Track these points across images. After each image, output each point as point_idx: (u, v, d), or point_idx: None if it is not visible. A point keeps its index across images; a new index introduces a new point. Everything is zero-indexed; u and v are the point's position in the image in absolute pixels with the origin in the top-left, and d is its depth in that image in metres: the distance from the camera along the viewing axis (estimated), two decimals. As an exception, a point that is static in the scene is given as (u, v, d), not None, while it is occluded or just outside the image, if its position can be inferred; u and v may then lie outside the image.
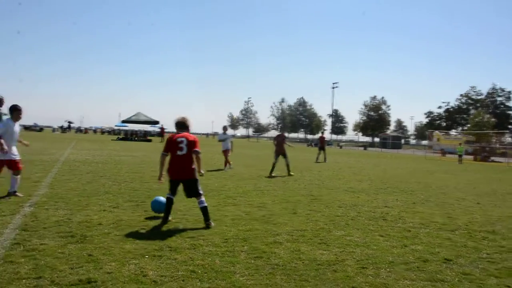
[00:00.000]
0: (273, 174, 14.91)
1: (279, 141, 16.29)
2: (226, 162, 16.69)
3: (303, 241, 5.85)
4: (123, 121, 59.21)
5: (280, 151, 16.01)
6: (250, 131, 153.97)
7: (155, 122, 58.00)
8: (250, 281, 4.18)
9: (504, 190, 14.44)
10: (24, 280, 3.85)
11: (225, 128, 18.01)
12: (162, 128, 57.57)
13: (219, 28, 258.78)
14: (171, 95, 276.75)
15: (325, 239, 6.01)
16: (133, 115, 56.86)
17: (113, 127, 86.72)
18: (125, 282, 3.96)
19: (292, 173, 15.57)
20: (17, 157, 8.03)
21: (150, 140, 53.51)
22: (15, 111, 7.93)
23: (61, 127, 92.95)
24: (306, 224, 6.92)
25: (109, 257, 4.65)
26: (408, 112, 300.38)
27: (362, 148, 77.26)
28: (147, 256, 4.78)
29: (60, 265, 4.29)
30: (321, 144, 26.35)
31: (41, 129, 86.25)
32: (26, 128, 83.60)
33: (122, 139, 54.86)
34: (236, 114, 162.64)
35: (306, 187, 11.90)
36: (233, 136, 18.86)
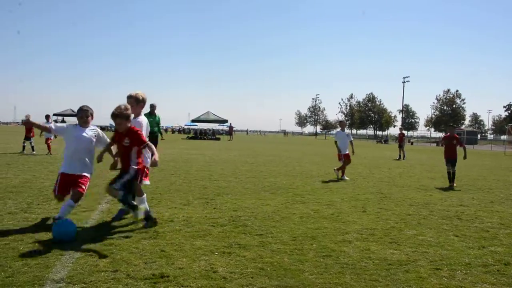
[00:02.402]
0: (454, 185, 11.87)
1: (449, 144, 12.49)
2: (343, 168, 13.05)
3: (373, 240, 5.71)
4: (193, 120, 60.86)
5: (450, 157, 12.35)
6: (318, 128, 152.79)
7: (224, 121, 59.09)
8: (319, 280, 4.14)
9: None
10: (102, 273, 4.06)
11: (343, 124, 14.59)
12: (231, 127, 58.60)
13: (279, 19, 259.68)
14: (234, 91, 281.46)
15: (396, 238, 5.84)
16: (203, 114, 58.25)
17: (183, 126, 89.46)
18: (196, 277, 4.06)
19: (455, 185, 11.88)
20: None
21: (219, 139, 54.57)
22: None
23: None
24: (376, 223, 6.75)
25: (180, 253, 4.79)
26: (485, 105, 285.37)
27: (434, 144, 74.19)
28: (216, 253, 4.87)
29: (135, 260, 4.48)
30: (400, 141, 25.78)
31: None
32: (102, 128, 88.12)
33: (192, 137, 56.39)
34: (304, 111, 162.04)
35: (375, 185, 11.62)
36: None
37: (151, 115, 14.00)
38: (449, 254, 5.19)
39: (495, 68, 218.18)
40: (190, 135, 63.06)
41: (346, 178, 12.76)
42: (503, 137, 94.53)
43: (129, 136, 5.59)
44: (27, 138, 18.82)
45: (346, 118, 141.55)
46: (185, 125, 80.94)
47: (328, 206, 8.08)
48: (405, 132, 27.28)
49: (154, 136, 13.96)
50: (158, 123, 14.15)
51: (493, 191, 11.24)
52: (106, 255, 4.60)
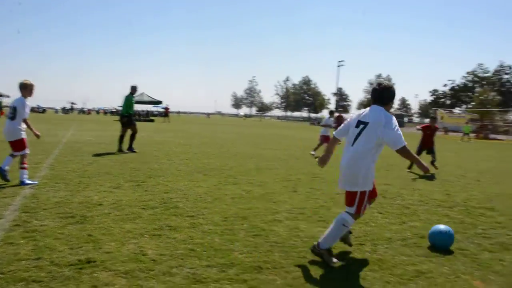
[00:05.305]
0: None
1: (430, 133, 12.52)
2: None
3: (303, 219, 5.89)
4: (126, 102, 59.10)
5: (428, 146, 12.40)
6: (254, 110, 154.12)
7: (158, 102, 57.96)
8: (248, 259, 4.22)
9: (503, 167, 14.49)
10: (23, 262, 3.88)
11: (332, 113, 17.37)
12: (166, 108, 57.56)
13: (223, 7, 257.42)
14: (174, 74, 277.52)
15: (324, 216, 6.05)
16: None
17: (116, 108, 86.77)
18: (124, 261, 4.00)
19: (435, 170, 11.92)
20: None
21: (152, 120, 53.50)
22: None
23: (63, 109, 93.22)
24: (306, 202, 6.95)
25: (108, 237, 4.69)
26: (413, 90, 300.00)
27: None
28: (146, 236, 4.81)
29: (59, 246, 4.33)
30: (338, 124, 24.85)
31: (43, 110, 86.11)
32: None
33: (125, 119, 54.73)
34: (240, 93, 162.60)
35: (307, 166, 11.91)
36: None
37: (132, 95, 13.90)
38: (372, 230, 5.47)
39: (422, 55, 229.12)
40: (124, 117, 61.32)
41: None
42: (427, 120, 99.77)
43: None
44: None
45: (282, 100, 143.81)
46: (119, 106, 78.50)
47: (260, 186, 8.21)
48: (343, 115, 26.89)
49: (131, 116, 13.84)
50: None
51: (415, 170, 11.86)
52: (27, 243, 4.40)
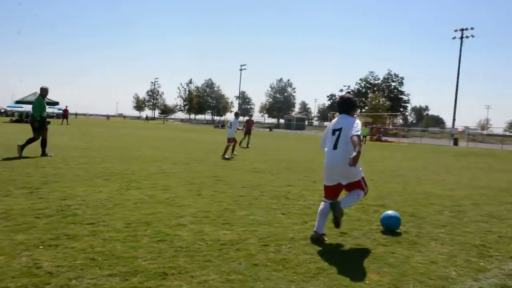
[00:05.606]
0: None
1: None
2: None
3: (207, 222, 5.88)
4: (17, 102, 54.94)
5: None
6: (156, 113, 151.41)
7: (55, 103, 54.60)
8: (152, 265, 4.12)
9: (393, 167, 15.69)
10: None
11: (237, 114, 18.13)
12: (65, 109, 54.36)
13: (121, 8, 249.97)
14: (71, 73, 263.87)
15: (228, 219, 6.09)
16: (29, 95, 52.84)
17: (4, 108, 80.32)
18: (15, 276, 3.70)
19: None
20: None
21: (49, 122, 50.26)
22: None
23: None
24: (210, 206, 6.95)
25: (-4, 251, 4.31)
26: (313, 95, 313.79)
27: (267, 130, 78.97)
28: (41, 247, 4.50)
29: None
30: (248, 128, 23.88)
31: None
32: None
33: (16, 121, 51.01)
34: (142, 95, 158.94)
35: (211, 169, 11.93)
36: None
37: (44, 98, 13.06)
38: (276, 230, 5.61)
39: (321, 59, 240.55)
40: (14, 118, 57.00)
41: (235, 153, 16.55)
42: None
43: None
44: None
45: (185, 103, 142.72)
46: (8, 106, 72.62)
47: (163, 190, 8.06)
48: (253, 120, 27.05)
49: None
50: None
51: (315, 172, 12.38)
52: None
